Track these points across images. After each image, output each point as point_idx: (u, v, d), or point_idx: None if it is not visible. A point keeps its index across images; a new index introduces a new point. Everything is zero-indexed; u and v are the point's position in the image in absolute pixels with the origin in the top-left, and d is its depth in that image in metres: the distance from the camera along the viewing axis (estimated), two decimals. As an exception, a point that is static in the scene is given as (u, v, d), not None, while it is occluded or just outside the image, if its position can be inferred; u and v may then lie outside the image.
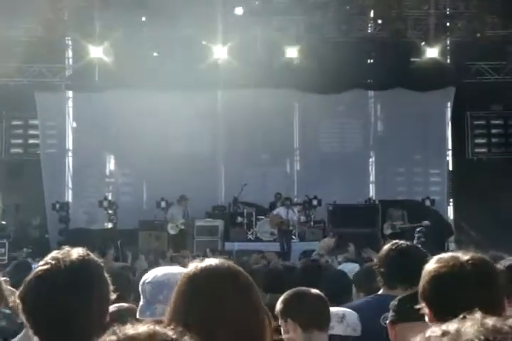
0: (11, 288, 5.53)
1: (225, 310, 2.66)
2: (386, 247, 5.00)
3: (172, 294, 2.85)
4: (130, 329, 1.77)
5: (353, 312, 4.61)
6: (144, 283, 3.83)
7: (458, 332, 1.48)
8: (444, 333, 1.49)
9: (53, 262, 2.69)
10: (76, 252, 2.74)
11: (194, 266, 2.79)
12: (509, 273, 4.18)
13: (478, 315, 1.50)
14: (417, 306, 2.99)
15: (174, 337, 1.77)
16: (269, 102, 22.52)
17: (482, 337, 1.45)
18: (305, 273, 6.96)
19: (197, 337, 1.85)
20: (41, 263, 2.73)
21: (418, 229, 15.35)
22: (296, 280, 6.60)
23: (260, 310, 2.76)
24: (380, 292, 4.99)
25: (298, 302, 4.24)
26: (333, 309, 4.63)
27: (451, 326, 1.49)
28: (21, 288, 2.71)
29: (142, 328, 1.77)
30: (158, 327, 1.78)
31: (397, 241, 5.11)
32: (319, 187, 22.61)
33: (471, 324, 1.48)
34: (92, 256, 2.78)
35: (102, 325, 2.69)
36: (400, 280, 4.68)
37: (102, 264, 2.79)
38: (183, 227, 21.20)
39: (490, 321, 1.49)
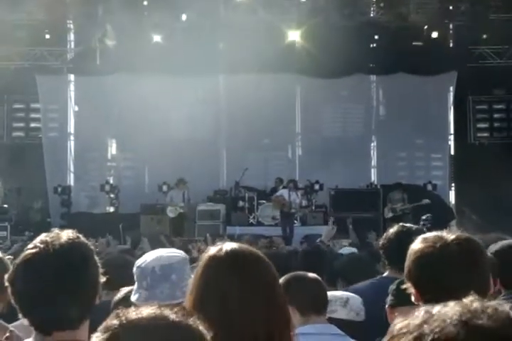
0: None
1: (242, 301, 2.57)
2: (393, 230, 4.99)
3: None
4: (133, 313, 1.77)
5: (357, 296, 4.61)
6: (135, 266, 3.80)
7: (438, 312, 1.47)
8: (426, 312, 1.49)
9: (42, 245, 2.66)
10: (65, 235, 2.71)
11: (218, 248, 2.71)
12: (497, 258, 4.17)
13: (470, 297, 1.49)
14: (403, 286, 2.99)
15: (177, 319, 1.76)
16: (271, 87, 22.47)
17: (455, 317, 1.43)
18: (306, 258, 6.97)
19: (207, 321, 1.82)
20: (30, 246, 2.71)
21: (424, 217, 15.32)
22: (299, 265, 6.61)
23: (283, 305, 2.68)
24: (385, 274, 4.99)
25: (295, 286, 4.19)
26: (337, 293, 4.63)
27: (436, 307, 1.48)
28: (10, 271, 2.70)
29: (145, 311, 1.76)
30: (161, 310, 1.77)
31: (404, 224, 5.12)
32: (321, 172, 22.58)
33: (454, 305, 1.47)
34: (82, 238, 2.74)
35: (93, 307, 2.69)
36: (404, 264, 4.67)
37: (92, 247, 2.76)
38: (182, 211, 21.17)
39: (475, 303, 1.47)
